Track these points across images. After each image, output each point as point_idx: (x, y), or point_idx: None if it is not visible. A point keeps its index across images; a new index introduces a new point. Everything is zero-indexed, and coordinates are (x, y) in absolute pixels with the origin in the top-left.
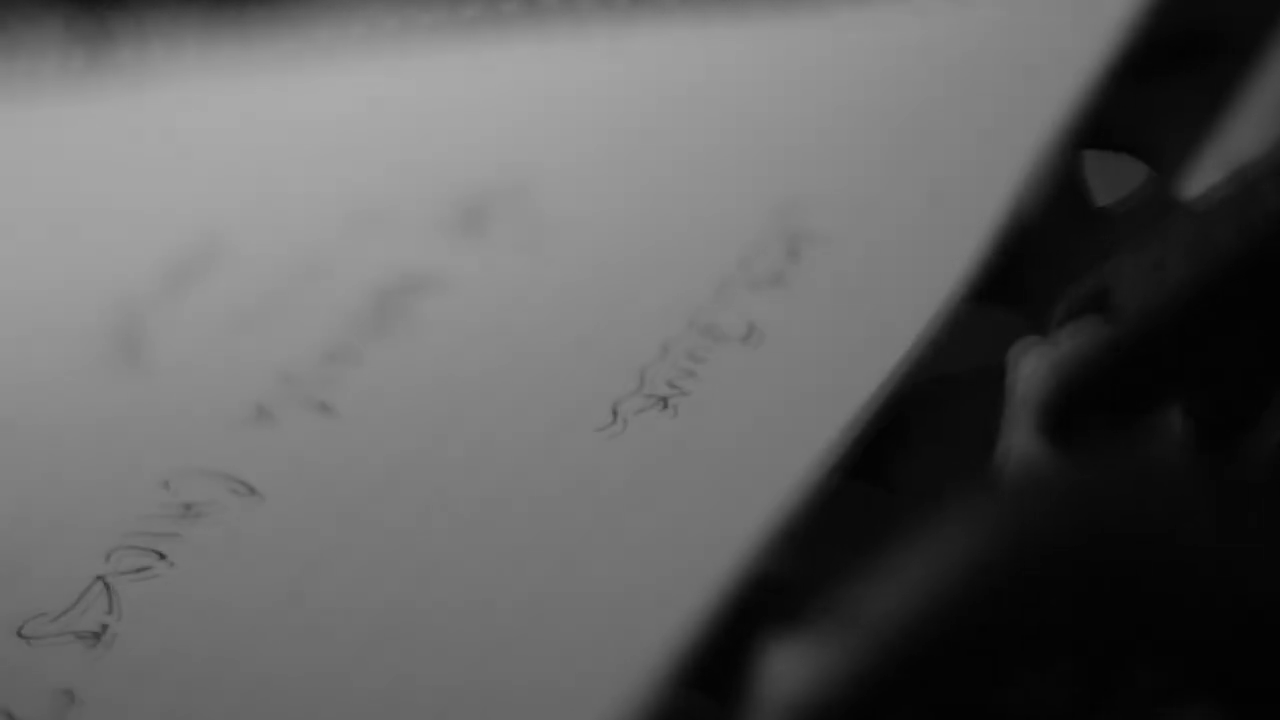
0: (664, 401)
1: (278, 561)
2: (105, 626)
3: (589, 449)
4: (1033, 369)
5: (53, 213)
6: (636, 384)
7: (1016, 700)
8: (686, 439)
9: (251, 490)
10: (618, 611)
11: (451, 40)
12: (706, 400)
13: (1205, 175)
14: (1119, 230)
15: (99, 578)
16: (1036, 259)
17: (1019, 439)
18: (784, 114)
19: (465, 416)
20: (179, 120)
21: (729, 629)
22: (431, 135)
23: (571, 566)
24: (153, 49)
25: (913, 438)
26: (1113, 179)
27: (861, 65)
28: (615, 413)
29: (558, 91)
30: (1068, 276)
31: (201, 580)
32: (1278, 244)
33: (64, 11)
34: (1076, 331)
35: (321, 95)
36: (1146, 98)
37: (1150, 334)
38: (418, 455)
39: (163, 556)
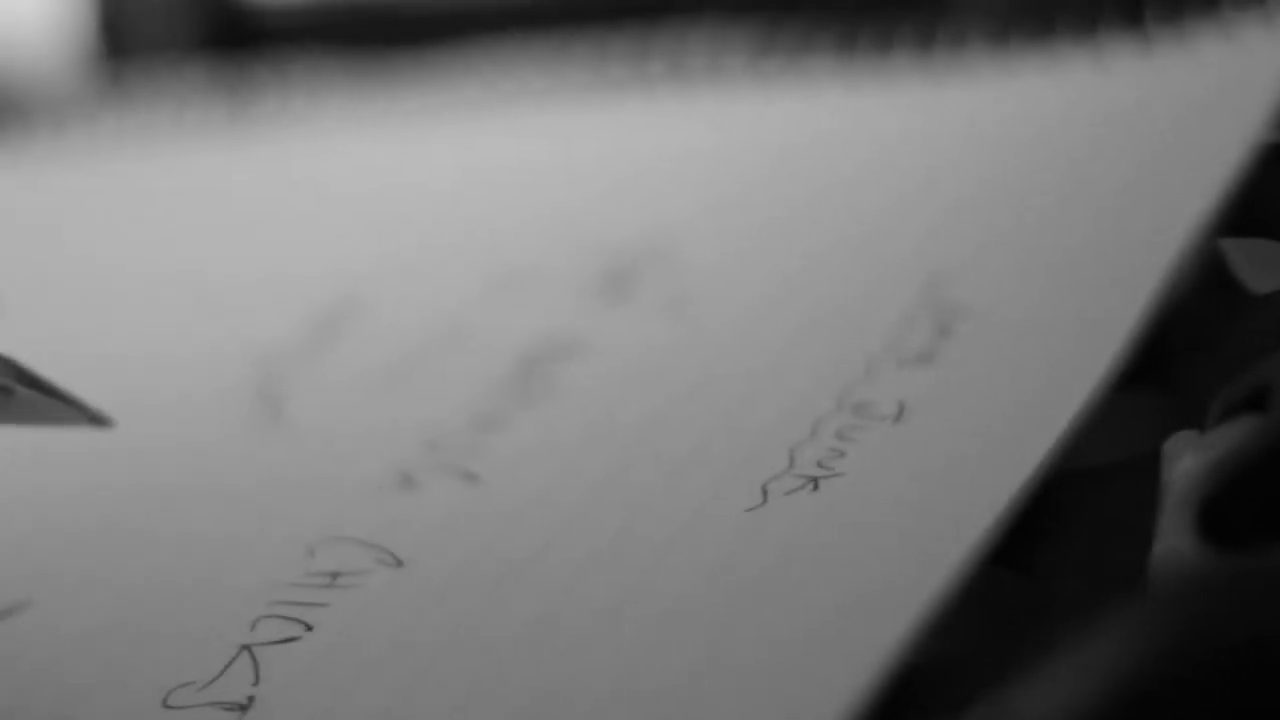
0: (814, 482)
1: (422, 632)
2: (250, 698)
3: (736, 528)
4: (1189, 466)
5: (191, 266)
6: (786, 463)
7: None
8: (834, 521)
9: (396, 559)
10: (761, 700)
11: (598, 100)
12: (856, 481)
13: None
14: (1269, 318)
15: (244, 646)
16: (1186, 344)
17: (1175, 538)
18: (934, 184)
19: (610, 487)
20: (321, 174)
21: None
22: (577, 196)
23: (715, 650)
24: (295, 101)
25: (1062, 526)
26: (1261, 264)
27: (1011, 136)
28: (764, 491)
29: (704, 155)
30: (1218, 363)
31: (346, 650)
32: None
33: (207, 61)
34: (1235, 428)
35: (465, 153)
36: None
37: None
38: (563, 526)
39: (308, 626)
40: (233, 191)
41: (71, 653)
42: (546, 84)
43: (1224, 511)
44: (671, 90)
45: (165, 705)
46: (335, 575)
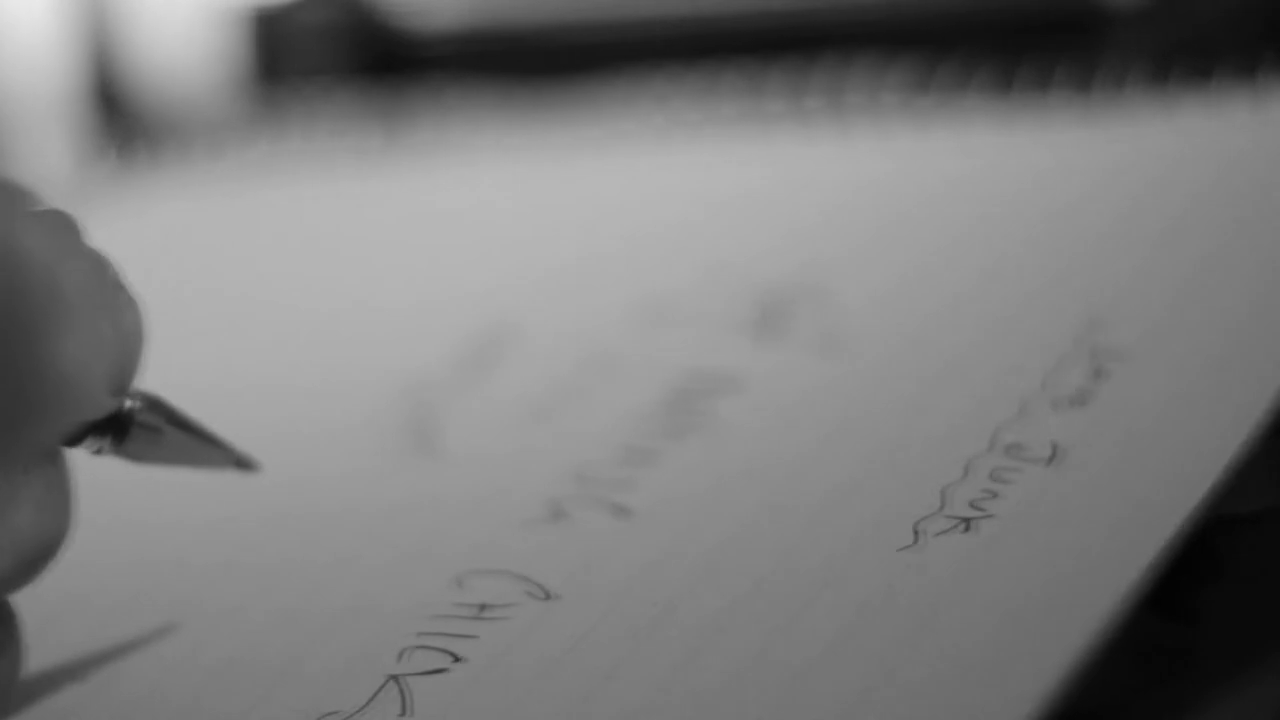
0: (966, 523)
1: (571, 666)
2: None
3: (887, 567)
4: None
5: (344, 292)
6: (938, 504)
7: None
8: (987, 563)
9: (545, 592)
10: None
11: (753, 133)
12: (1009, 523)
13: None
14: None
15: (392, 676)
16: None
17: None
18: (1091, 224)
19: (761, 524)
20: (473, 201)
21: None
22: (730, 229)
23: (865, 691)
24: (449, 127)
25: (1216, 572)
26: None
27: (1169, 177)
28: (916, 531)
29: (859, 190)
30: None
31: (493, 682)
32: None
33: (362, 86)
34: None
35: (619, 183)
36: None
37: None
38: (712, 561)
39: (456, 657)
40: (386, 218)
41: (220, 680)
42: (702, 116)
43: None
44: (828, 125)
45: None
46: (484, 607)
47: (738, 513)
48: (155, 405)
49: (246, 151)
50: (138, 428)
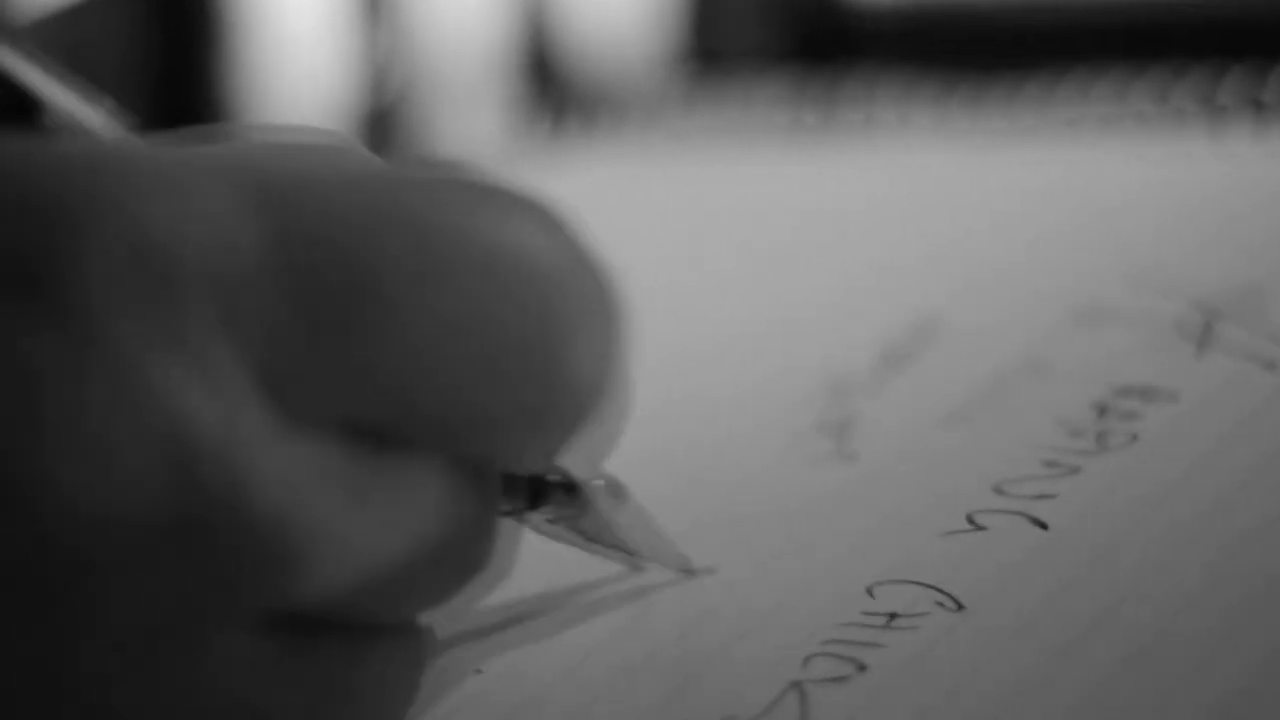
0: None
1: (981, 681)
2: None
3: None
4: None
5: (763, 279)
6: None
7: None
8: None
9: (957, 604)
10: None
11: (1204, 134)
12: None
13: None
14: None
15: (794, 683)
16: None
17: None
18: None
19: (1186, 544)
20: (903, 190)
21: None
22: (1165, 232)
23: None
24: (883, 113)
25: None
26: None
27: None
28: None
29: None
30: None
31: (896, 693)
32: None
33: (797, 67)
34: None
35: (1054, 179)
36: None
37: None
38: (1134, 581)
39: (860, 666)
40: (813, 202)
41: (622, 680)
42: (1151, 110)
43: None
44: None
45: None
46: (893, 616)
47: (1162, 532)
48: (618, 489)
49: (678, 127)
50: (598, 507)
